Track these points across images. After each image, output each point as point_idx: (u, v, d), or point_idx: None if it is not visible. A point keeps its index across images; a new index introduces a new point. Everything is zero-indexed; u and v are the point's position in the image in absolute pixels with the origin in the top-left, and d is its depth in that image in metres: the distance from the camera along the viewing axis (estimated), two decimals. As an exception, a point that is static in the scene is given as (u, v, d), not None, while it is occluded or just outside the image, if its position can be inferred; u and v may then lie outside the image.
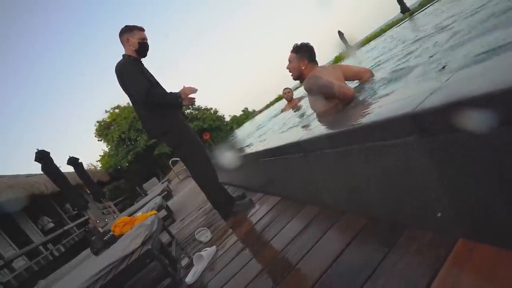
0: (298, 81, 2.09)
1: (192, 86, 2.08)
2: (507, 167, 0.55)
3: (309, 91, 1.89)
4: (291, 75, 2.01)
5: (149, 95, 1.91)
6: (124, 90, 2.06)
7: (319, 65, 1.99)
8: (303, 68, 1.92)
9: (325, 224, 1.22)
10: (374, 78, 2.05)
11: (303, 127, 1.80)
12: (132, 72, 1.97)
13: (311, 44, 1.96)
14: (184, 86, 2.07)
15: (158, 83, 2.15)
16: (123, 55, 2.06)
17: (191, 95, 2.07)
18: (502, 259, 0.61)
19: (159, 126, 2.09)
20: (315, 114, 2.09)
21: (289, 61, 1.97)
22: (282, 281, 1.05)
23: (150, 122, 2.11)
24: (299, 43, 1.97)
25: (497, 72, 0.60)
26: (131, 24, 2.07)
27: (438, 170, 0.69)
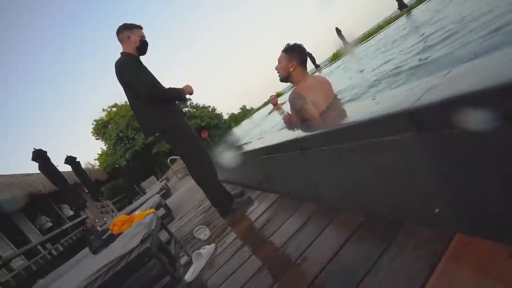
0: (279, 90, 2.02)
1: (192, 87, 2.22)
2: (503, 163, 0.56)
3: (291, 104, 1.83)
4: (278, 76, 1.91)
5: (155, 89, 1.97)
6: (124, 87, 2.05)
7: (319, 64, 1.94)
8: (291, 69, 1.81)
9: (323, 221, 1.22)
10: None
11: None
12: (135, 68, 1.98)
13: (304, 47, 1.86)
14: (186, 84, 2.19)
15: (157, 80, 2.14)
16: (122, 53, 2.05)
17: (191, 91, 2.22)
18: (498, 253, 0.62)
19: (159, 123, 2.09)
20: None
21: (278, 61, 1.88)
22: (281, 278, 1.05)
23: (150, 119, 2.10)
24: (291, 43, 1.86)
25: (494, 68, 0.60)
26: (129, 23, 2.06)
27: (435, 166, 0.69)
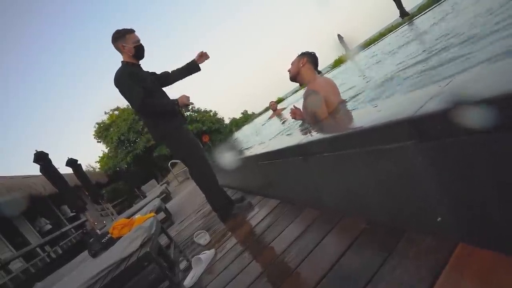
0: (280, 95, 2.17)
1: (189, 97, 2.11)
2: (505, 172, 0.55)
3: (305, 101, 1.96)
4: (289, 75, 2.06)
5: (143, 105, 1.95)
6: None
7: (320, 71, 2.07)
8: (301, 65, 1.97)
9: (324, 227, 1.21)
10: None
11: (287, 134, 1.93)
12: (126, 84, 1.96)
13: (316, 55, 2.04)
14: (182, 95, 2.11)
15: (157, 87, 2.15)
16: (122, 62, 2.04)
17: (187, 102, 2.11)
18: (501, 264, 0.61)
19: (158, 131, 2.12)
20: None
21: (291, 64, 2.05)
22: (281, 285, 1.04)
23: (150, 127, 2.16)
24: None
25: (496, 77, 0.61)
26: (120, 29, 1.99)
27: (437, 175, 0.69)
